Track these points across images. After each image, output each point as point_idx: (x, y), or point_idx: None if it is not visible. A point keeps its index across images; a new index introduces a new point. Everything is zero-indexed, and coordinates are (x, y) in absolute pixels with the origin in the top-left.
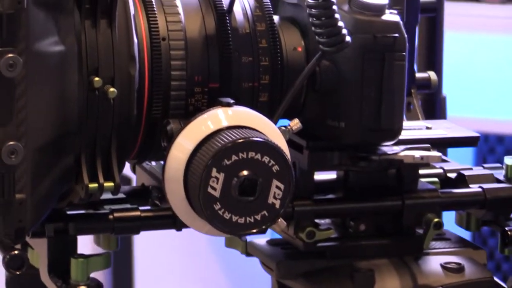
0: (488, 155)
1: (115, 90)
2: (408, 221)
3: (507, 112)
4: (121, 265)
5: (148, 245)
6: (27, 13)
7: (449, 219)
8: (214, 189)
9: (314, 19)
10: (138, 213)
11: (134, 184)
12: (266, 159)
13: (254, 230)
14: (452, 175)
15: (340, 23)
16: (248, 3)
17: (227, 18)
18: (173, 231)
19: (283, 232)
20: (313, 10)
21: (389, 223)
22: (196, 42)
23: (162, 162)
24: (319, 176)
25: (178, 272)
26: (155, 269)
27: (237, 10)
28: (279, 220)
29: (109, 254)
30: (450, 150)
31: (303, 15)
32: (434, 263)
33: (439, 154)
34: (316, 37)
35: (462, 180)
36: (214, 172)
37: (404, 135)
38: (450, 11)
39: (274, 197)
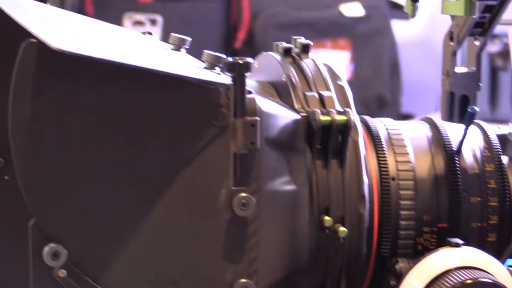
0: None
1: (346, 230)
2: None
3: None
4: None
5: None
6: (260, 153)
7: None
8: None
9: None
10: None
11: None
12: None
13: None
14: None
15: None
16: (477, 144)
17: (456, 158)
18: None
19: None
20: None
21: None
22: (425, 182)
23: None
24: None
25: None
26: None
27: (466, 150)
28: None
29: None
30: None
31: None
32: None
33: None
34: None
35: None
36: None
37: None
38: None
39: None
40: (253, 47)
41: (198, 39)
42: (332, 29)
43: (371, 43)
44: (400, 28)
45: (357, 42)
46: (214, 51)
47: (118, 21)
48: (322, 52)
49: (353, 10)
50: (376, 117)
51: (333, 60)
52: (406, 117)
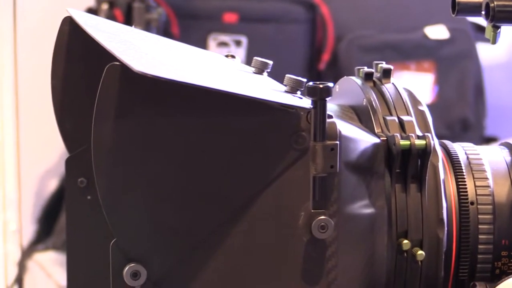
0: None
1: (423, 253)
2: None
3: None
4: None
5: None
6: (339, 177)
7: None
8: None
9: None
10: None
11: None
12: None
13: None
14: None
15: None
16: None
17: None
18: None
19: None
20: None
21: None
22: (503, 206)
23: None
24: None
25: None
26: None
27: None
28: None
29: None
30: None
31: None
32: None
33: None
34: None
35: None
36: None
37: None
38: None
39: None
40: (337, 69)
41: (282, 60)
42: (417, 52)
43: (455, 66)
44: (485, 51)
45: (442, 64)
46: (298, 73)
47: (203, 42)
48: (406, 75)
49: (438, 32)
50: (460, 139)
51: (417, 83)
52: (490, 140)
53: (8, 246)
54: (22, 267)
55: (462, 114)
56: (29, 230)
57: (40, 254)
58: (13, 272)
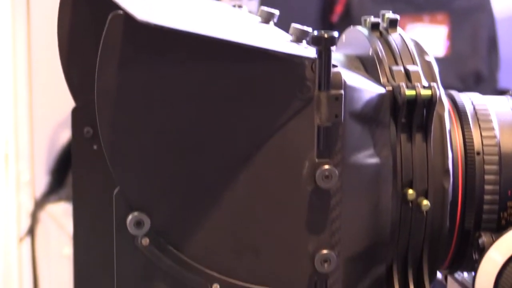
0: None
1: (429, 203)
2: None
3: None
4: None
5: None
6: (344, 126)
7: None
8: None
9: None
10: None
11: None
12: None
13: None
14: None
15: None
16: None
17: None
18: None
19: None
20: None
21: None
22: (510, 156)
23: (473, 274)
24: None
25: None
26: None
27: None
28: None
29: None
30: None
31: None
32: None
33: None
34: None
35: None
36: None
37: None
38: None
39: None
40: (350, 21)
41: (295, 12)
42: (430, 4)
43: (469, 18)
44: (498, 3)
45: (455, 17)
46: (311, 25)
47: None
48: (420, 27)
49: None
50: (473, 92)
51: (430, 35)
52: (503, 92)
53: (21, 198)
54: (34, 218)
55: (475, 67)
56: (42, 182)
57: (52, 205)
58: (26, 223)
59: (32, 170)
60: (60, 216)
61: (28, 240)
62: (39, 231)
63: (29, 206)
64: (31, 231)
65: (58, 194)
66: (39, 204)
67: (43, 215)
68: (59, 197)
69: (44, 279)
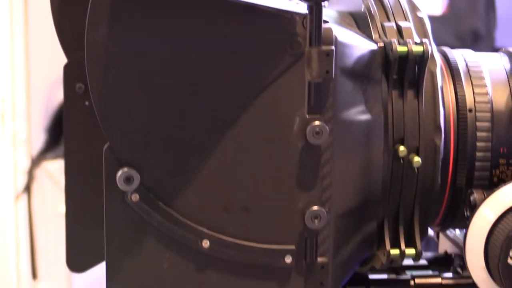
0: None
1: (420, 160)
2: None
3: None
4: None
5: None
6: (335, 82)
7: None
8: None
9: None
10: (439, 280)
11: None
12: None
13: None
14: None
15: None
16: None
17: None
18: None
19: None
20: None
21: None
22: (502, 114)
23: (464, 231)
24: None
25: None
26: None
27: None
28: None
29: None
30: None
31: None
32: None
33: None
34: None
35: None
36: None
37: None
38: None
39: None
40: None
41: None
42: None
43: None
44: None
45: None
46: None
47: None
48: None
49: None
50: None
51: None
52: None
53: (17, 155)
54: (30, 176)
55: (473, 25)
56: (38, 139)
57: (48, 163)
58: (22, 180)
59: (28, 128)
60: (56, 173)
61: (24, 197)
62: (35, 188)
63: (26, 164)
64: (28, 189)
65: (54, 152)
66: (36, 162)
67: (40, 172)
68: (55, 155)
69: (40, 236)
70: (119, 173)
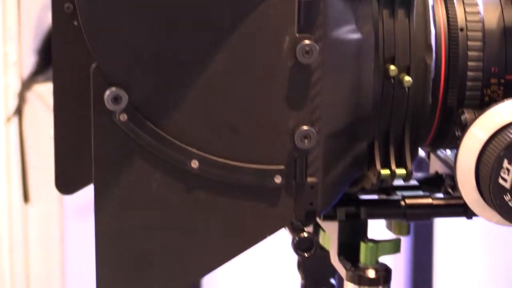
0: None
1: (411, 79)
2: None
3: None
4: (422, 253)
5: (449, 234)
6: (325, 1)
7: None
8: (505, 180)
9: None
10: (430, 200)
11: None
12: None
13: None
14: None
15: None
16: None
17: None
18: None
19: None
20: None
21: None
22: (493, 33)
23: (455, 151)
24: None
25: (481, 265)
26: (456, 259)
27: None
28: None
29: (398, 240)
30: None
31: None
32: None
33: None
34: None
35: None
36: (505, 164)
37: None
38: None
39: None
40: None
41: None
42: None
43: None
44: None
45: None
46: None
47: None
48: None
49: None
50: None
51: None
52: None
53: (8, 78)
54: (22, 98)
55: None
56: (29, 62)
57: (39, 86)
58: (13, 103)
59: (19, 50)
60: (48, 96)
61: (15, 120)
62: (27, 111)
63: (16, 87)
64: (19, 111)
65: (45, 74)
66: (26, 84)
67: (31, 95)
68: (46, 77)
69: (31, 159)
70: (107, 92)
